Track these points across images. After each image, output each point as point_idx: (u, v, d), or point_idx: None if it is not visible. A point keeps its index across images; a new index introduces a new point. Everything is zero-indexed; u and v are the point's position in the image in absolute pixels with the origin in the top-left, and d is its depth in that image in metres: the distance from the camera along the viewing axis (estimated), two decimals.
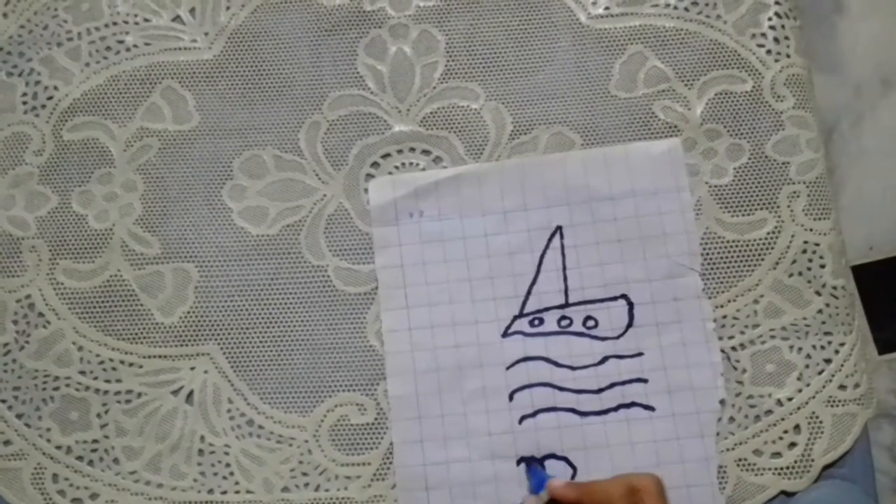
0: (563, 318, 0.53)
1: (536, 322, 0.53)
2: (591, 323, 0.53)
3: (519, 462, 0.51)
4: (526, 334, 0.53)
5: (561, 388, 0.52)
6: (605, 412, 0.51)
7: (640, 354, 0.52)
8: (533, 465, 0.50)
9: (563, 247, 0.54)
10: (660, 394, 0.51)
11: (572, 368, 0.52)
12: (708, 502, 0.50)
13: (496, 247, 0.54)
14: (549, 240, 0.54)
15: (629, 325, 0.52)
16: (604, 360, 0.52)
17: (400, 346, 0.53)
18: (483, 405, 0.52)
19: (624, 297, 0.53)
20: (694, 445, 0.50)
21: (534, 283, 0.53)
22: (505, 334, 0.53)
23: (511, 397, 0.52)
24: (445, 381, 0.52)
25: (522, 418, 0.51)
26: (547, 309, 0.53)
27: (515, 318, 0.53)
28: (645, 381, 0.52)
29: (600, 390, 0.52)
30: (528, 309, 0.53)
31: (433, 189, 0.54)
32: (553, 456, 0.51)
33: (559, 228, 0.54)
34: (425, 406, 0.52)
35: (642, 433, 0.51)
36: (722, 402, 0.51)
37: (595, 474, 0.50)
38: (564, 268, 0.53)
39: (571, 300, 0.53)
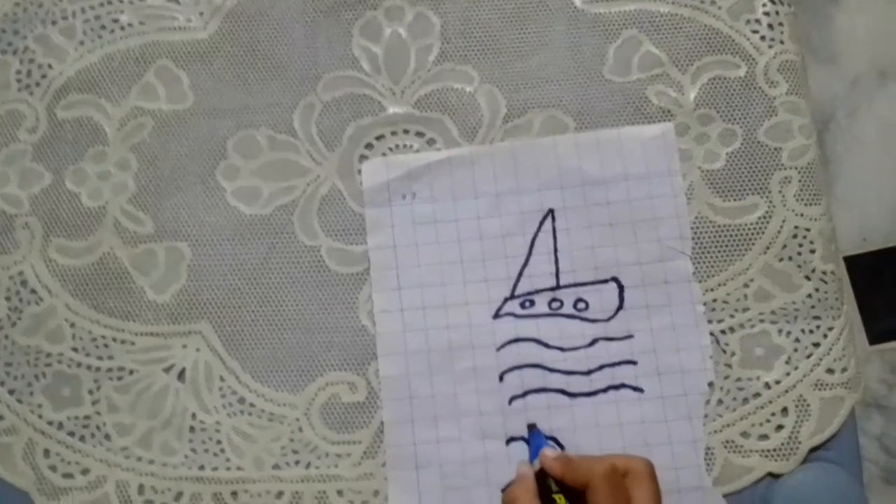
0: (554, 300, 0.53)
1: (527, 304, 0.53)
2: (581, 305, 0.53)
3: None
4: (517, 316, 0.53)
5: (551, 370, 0.52)
6: (595, 393, 0.52)
7: (629, 337, 0.52)
8: (535, 431, 0.50)
9: (554, 230, 0.54)
10: (649, 376, 0.52)
11: (562, 350, 0.52)
12: (695, 483, 0.50)
13: (488, 229, 0.54)
14: (541, 223, 0.54)
15: (619, 307, 0.53)
16: (594, 342, 0.52)
17: (391, 326, 0.53)
18: (474, 386, 0.52)
19: (615, 279, 0.53)
20: (682, 427, 0.51)
21: (525, 265, 0.53)
22: (496, 316, 0.53)
23: (501, 378, 0.52)
24: (436, 361, 0.52)
25: (512, 399, 0.52)
26: (538, 291, 0.53)
27: (506, 299, 0.53)
28: (634, 363, 0.52)
29: (590, 372, 0.52)
30: (519, 291, 0.53)
31: (426, 171, 0.55)
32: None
33: (551, 211, 0.54)
34: (416, 386, 0.52)
35: (631, 414, 0.51)
36: (710, 384, 0.51)
37: (584, 454, 0.50)
38: (556, 250, 0.54)
39: (562, 283, 0.53)
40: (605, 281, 0.53)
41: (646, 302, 0.53)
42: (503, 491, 0.51)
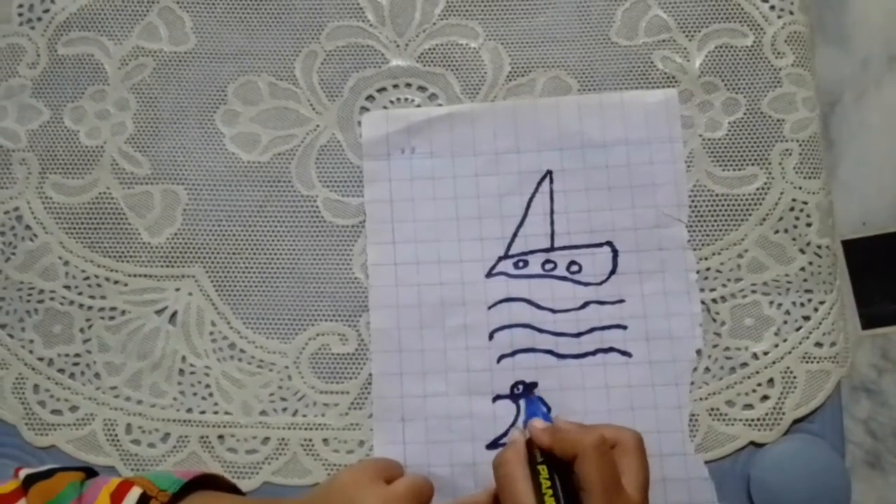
0: (548, 261, 0.53)
1: (521, 264, 0.53)
2: (574, 268, 0.53)
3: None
4: (510, 276, 0.53)
5: (541, 330, 0.52)
6: (583, 356, 0.52)
7: (621, 301, 0.52)
8: (532, 396, 0.50)
9: (552, 191, 0.54)
10: (638, 340, 0.52)
11: (553, 311, 0.52)
12: (678, 448, 0.51)
13: (486, 187, 0.54)
14: (539, 183, 0.54)
15: (612, 271, 0.53)
16: (585, 304, 0.52)
17: (384, 279, 0.53)
18: (463, 342, 0.52)
19: (609, 244, 0.53)
20: (668, 392, 0.51)
21: (521, 225, 0.53)
22: (489, 275, 0.53)
23: (491, 336, 0.52)
24: (427, 316, 0.53)
25: (501, 357, 0.52)
26: (532, 252, 0.53)
27: (500, 259, 0.53)
28: (624, 327, 0.52)
29: (579, 334, 0.52)
30: (513, 251, 0.53)
31: (426, 126, 0.54)
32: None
33: (549, 173, 0.54)
34: (406, 340, 0.52)
35: (618, 378, 0.51)
36: (699, 352, 0.52)
37: (569, 416, 0.50)
38: (552, 212, 0.53)
39: (557, 244, 0.53)
40: (600, 245, 0.53)
41: (639, 267, 0.53)
42: (488, 447, 0.51)
